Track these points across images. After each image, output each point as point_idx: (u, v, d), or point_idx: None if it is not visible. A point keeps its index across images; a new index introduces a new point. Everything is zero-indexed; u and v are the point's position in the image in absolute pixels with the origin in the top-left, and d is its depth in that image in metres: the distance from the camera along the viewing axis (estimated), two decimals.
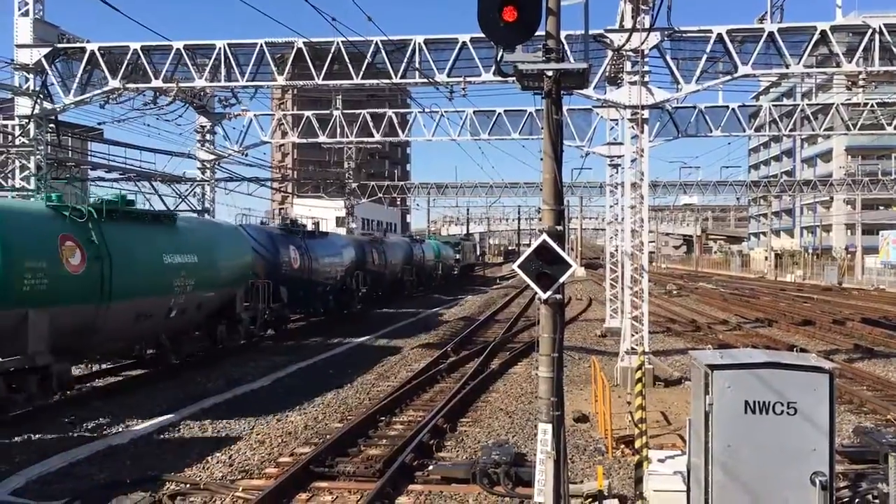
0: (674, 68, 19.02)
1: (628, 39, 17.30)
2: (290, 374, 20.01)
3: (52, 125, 22.74)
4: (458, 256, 66.11)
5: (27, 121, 21.67)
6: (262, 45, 20.90)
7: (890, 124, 30.45)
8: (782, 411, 6.72)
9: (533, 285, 7.71)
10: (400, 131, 33.90)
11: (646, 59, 18.53)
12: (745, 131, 31.64)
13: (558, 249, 7.65)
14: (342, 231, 46.01)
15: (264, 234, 27.03)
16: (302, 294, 27.85)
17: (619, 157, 28.64)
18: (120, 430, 13.73)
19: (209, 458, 12.04)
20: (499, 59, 7.84)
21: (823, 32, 18.64)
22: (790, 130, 32.97)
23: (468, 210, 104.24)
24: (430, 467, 11.41)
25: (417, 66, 20.12)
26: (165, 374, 18.94)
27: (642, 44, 17.97)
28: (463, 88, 20.23)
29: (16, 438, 12.98)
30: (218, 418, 14.74)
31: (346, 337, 27.07)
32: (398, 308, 39.80)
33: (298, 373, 20.23)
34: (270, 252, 26.18)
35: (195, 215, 22.59)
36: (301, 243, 29.19)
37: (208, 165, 31.61)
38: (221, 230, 22.37)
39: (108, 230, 15.79)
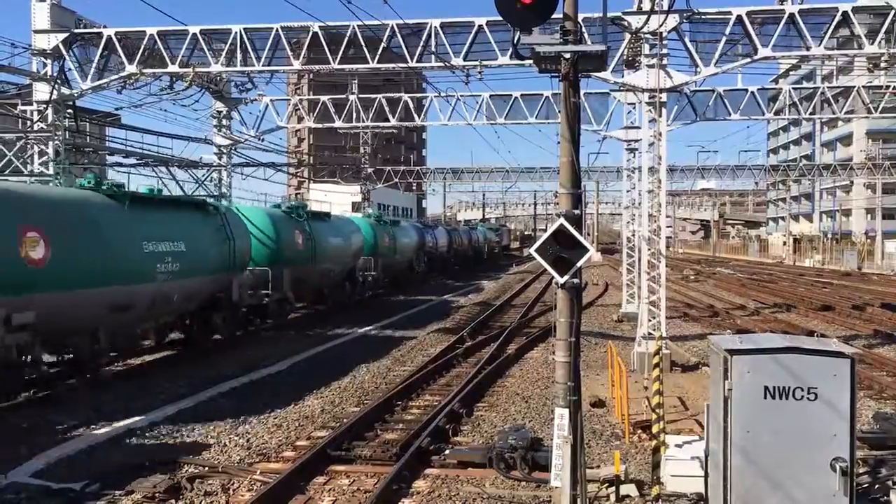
0: (692, 51, 18.79)
1: (646, 22, 17.12)
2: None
3: (69, 110, 22.84)
4: (498, 239, 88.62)
5: (45, 106, 21.78)
6: (277, 30, 20.87)
7: None
8: (802, 396, 6.65)
9: (550, 269, 7.66)
10: (416, 116, 33.84)
11: (664, 42, 18.32)
12: (764, 115, 31.32)
13: (576, 233, 7.59)
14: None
15: (418, 227, 50.65)
16: (429, 259, 50.07)
17: (636, 141, 28.40)
18: (138, 412, 13.83)
19: (227, 441, 12.12)
20: (516, 41, 7.76)
21: (845, 14, 18.36)
22: (810, 114, 32.56)
23: (484, 195, 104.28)
24: (447, 452, 11.42)
25: (433, 49, 20.01)
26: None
27: (660, 26, 17.76)
28: (479, 72, 20.13)
29: (37, 420, 13.12)
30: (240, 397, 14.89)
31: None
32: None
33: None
34: (420, 237, 48.08)
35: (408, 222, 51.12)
36: (431, 232, 52.97)
37: (225, 150, 31.69)
38: (412, 226, 49.32)
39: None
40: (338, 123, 34.33)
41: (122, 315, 16.32)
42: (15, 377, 13.62)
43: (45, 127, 21.93)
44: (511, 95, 30.98)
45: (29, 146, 22.46)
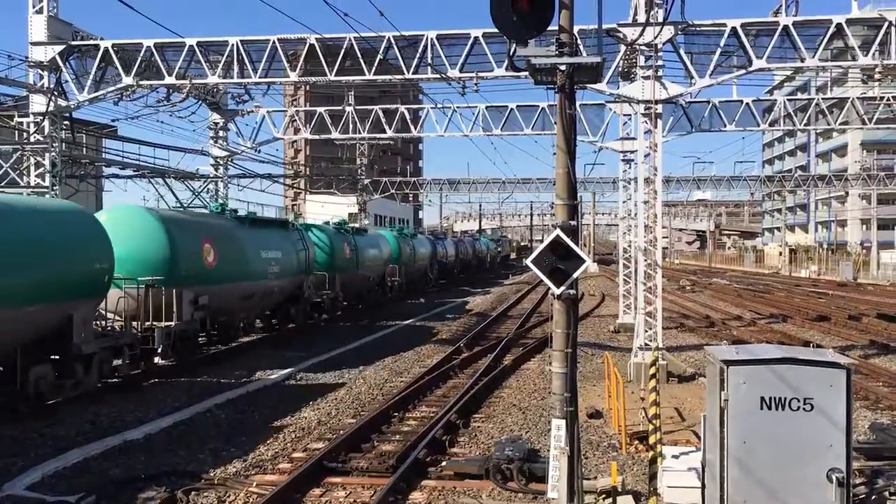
0: (687, 62, 18.89)
1: (641, 34, 17.21)
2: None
3: (66, 122, 22.85)
4: (499, 249, 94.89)
5: (42, 118, 21.79)
6: (274, 42, 20.93)
7: None
8: (798, 407, 6.67)
9: (546, 280, 7.68)
10: (412, 127, 33.88)
11: (659, 54, 18.40)
12: (759, 126, 31.44)
13: (572, 244, 7.61)
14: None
15: (430, 239, 56.04)
16: (440, 268, 55.21)
17: (632, 152, 28.51)
18: (135, 425, 13.80)
19: (223, 453, 12.08)
20: (511, 53, 7.80)
21: (839, 26, 18.48)
22: (805, 125, 32.67)
23: (480, 206, 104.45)
24: (444, 463, 11.41)
25: (430, 61, 20.08)
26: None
27: (656, 38, 17.84)
28: (475, 84, 20.18)
29: (33, 433, 13.07)
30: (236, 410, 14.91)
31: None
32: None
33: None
34: (433, 247, 53.11)
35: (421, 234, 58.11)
36: (442, 243, 58.59)
37: (221, 162, 31.72)
38: (426, 238, 55.28)
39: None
40: (334, 135, 34.41)
41: (248, 303, 22.65)
42: (196, 341, 20.37)
43: (41, 139, 21.93)
44: (507, 107, 31.10)
45: (25, 158, 22.45)
